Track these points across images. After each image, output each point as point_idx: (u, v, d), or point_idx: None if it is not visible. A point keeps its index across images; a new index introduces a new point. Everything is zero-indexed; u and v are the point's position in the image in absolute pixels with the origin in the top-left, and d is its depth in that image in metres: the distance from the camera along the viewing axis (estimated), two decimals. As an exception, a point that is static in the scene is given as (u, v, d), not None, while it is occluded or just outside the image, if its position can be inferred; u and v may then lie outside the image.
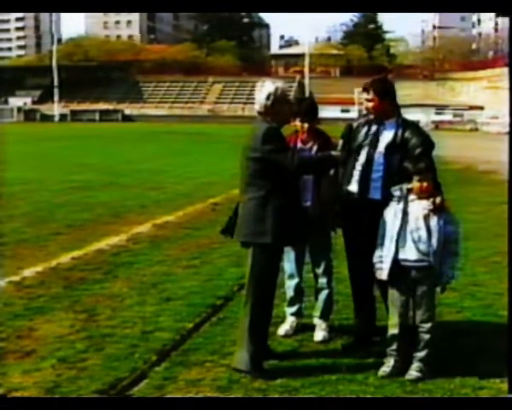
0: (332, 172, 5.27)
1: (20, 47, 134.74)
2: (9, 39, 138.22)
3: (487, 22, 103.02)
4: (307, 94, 58.93)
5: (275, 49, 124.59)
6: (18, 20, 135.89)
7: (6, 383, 4.53)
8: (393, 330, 4.84)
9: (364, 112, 5.43)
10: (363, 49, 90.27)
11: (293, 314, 5.66)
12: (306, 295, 5.91)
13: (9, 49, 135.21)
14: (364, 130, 5.22)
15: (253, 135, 4.79)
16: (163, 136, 38.27)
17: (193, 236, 9.66)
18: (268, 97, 4.77)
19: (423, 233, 4.71)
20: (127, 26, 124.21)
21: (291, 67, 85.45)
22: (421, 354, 4.75)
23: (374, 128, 5.19)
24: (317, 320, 5.58)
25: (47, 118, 66.17)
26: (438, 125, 53.26)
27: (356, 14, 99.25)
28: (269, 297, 4.87)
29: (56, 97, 68.18)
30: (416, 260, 4.73)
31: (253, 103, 5.01)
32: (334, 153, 5.03)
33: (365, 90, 5.18)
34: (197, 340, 5.38)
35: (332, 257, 5.69)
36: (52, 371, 4.72)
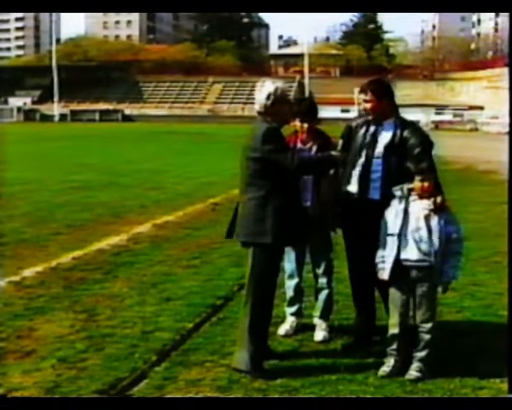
0: (332, 172, 5.27)
1: (20, 47, 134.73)
2: (8, 39, 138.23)
3: (487, 22, 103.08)
4: (307, 94, 58.94)
5: (274, 49, 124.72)
6: (17, 20, 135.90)
7: (6, 383, 4.53)
8: (394, 330, 4.84)
9: (363, 112, 5.44)
10: (363, 49, 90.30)
11: (293, 314, 5.66)
12: (306, 295, 5.91)
13: (8, 49, 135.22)
14: (363, 130, 5.23)
15: (253, 135, 4.79)
16: (163, 136, 38.28)
17: (193, 236, 9.66)
18: (268, 97, 4.77)
19: (424, 233, 4.71)
20: (127, 26, 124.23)
21: (291, 67, 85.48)
22: (422, 354, 4.75)
23: (372, 129, 5.20)
24: (317, 320, 5.58)
25: (47, 118, 66.20)
26: (438, 125, 53.31)
27: (355, 14, 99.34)
28: (269, 297, 4.87)
29: (56, 97, 68.19)
30: (416, 260, 4.73)
31: (252, 103, 5.01)
32: (333, 153, 5.03)
33: (363, 91, 5.20)
34: (197, 340, 5.37)
35: (332, 257, 5.69)
36: (52, 371, 4.72)
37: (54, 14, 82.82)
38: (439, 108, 63.81)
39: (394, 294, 4.86)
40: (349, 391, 4.45)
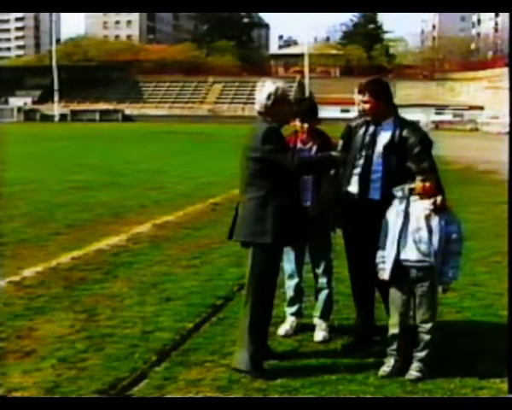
0: (332, 172, 5.27)
1: (20, 47, 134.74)
2: (8, 39, 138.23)
3: (487, 22, 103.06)
4: (307, 94, 58.94)
5: (274, 49, 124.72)
6: (17, 20, 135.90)
7: (6, 383, 4.53)
8: (394, 330, 4.84)
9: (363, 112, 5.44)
10: (363, 49, 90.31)
11: (293, 314, 5.66)
12: (306, 295, 5.91)
13: (8, 49, 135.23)
14: (362, 130, 5.23)
15: (253, 135, 4.79)
16: (163, 136, 38.29)
17: (193, 236, 9.65)
18: (268, 97, 4.77)
19: (424, 233, 4.71)
20: (127, 26, 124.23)
21: (291, 67, 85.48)
22: (422, 354, 4.75)
23: (371, 129, 5.20)
24: (317, 320, 5.58)
25: (47, 118, 66.21)
26: (438, 125, 53.31)
27: (355, 14, 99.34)
28: (269, 297, 4.87)
29: (56, 97, 68.19)
30: (417, 261, 4.73)
31: (253, 103, 5.01)
32: (334, 153, 5.03)
33: (360, 91, 5.20)
34: (197, 340, 5.37)
35: (332, 257, 5.69)
36: (52, 371, 4.72)
37: (54, 14, 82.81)
38: (439, 108, 63.85)
39: (394, 294, 4.86)
40: (349, 391, 4.45)
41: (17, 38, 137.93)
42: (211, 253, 8.44)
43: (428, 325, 4.76)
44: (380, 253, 4.87)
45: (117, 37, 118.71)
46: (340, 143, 5.32)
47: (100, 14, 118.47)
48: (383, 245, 4.85)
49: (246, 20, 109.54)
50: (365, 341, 5.29)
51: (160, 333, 5.49)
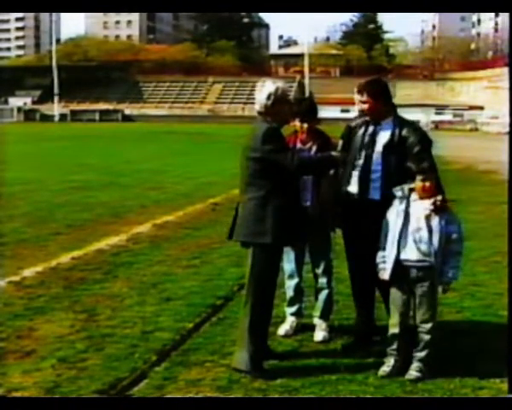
0: (332, 172, 5.27)
1: (20, 47, 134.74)
2: (8, 39, 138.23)
3: (487, 22, 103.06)
4: (307, 94, 58.93)
5: (274, 49, 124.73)
6: (17, 20, 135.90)
7: (6, 383, 4.53)
8: (394, 330, 4.84)
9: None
10: (363, 49, 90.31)
11: (293, 314, 5.66)
12: (306, 295, 5.91)
13: (8, 49, 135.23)
14: (362, 131, 5.24)
15: (253, 135, 4.79)
16: (163, 136, 38.29)
17: (193, 236, 9.65)
18: (268, 97, 4.77)
19: (424, 233, 4.71)
20: (127, 26, 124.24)
21: (291, 67, 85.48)
22: (422, 354, 4.75)
23: (371, 129, 5.20)
24: (317, 320, 5.58)
25: (47, 118, 66.21)
26: (438, 125, 53.31)
27: (355, 14, 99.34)
28: (269, 297, 4.87)
29: (56, 97, 68.18)
30: (417, 261, 4.73)
31: (253, 103, 5.01)
32: (334, 153, 5.03)
33: (359, 92, 5.20)
34: (197, 340, 5.37)
35: (332, 257, 5.69)
36: (52, 371, 4.72)
37: (54, 14, 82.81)
38: (439, 108, 63.84)
39: (395, 294, 4.86)
40: (349, 391, 4.45)
41: (17, 38, 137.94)
42: (211, 253, 8.44)
43: (428, 325, 4.76)
44: (380, 253, 4.87)
45: (117, 37, 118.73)
46: (340, 143, 5.32)
47: (100, 14, 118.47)
48: (383, 245, 4.85)
49: (246, 20, 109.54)
50: (365, 341, 5.29)
51: (160, 333, 5.49)
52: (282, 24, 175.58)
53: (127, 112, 70.69)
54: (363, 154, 5.17)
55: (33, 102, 74.99)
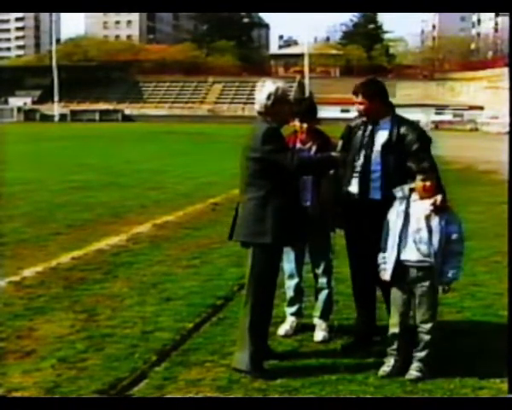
0: (332, 172, 5.27)
1: (20, 47, 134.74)
2: (8, 39, 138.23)
3: (487, 22, 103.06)
4: (307, 94, 58.92)
5: (274, 49, 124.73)
6: (17, 20, 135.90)
7: (6, 383, 4.53)
8: (394, 330, 4.84)
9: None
10: (363, 49, 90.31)
11: (293, 314, 5.66)
12: (306, 295, 5.91)
13: (8, 49, 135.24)
14: (361, 131, 5.25)
15: (252, 135, 4.79)
16: (163, 136, 38.28)
17: (193, 236, 9.65)
18: (268, 97, 4.77)
19: (424, 234, 4.71)
20: (127, 26, 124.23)
21: (291, 67, 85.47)
22: (422, 354, 4.75)
23: (369, 128, 5.21)
24: (317, 320, 5.58)
25: (47, 118, 66.20)
26: (438, 125, 53.30)
27: (355, 14, 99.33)
28: (269, 297, 4.87)
29: (56, 97, 68.18)
30: (417, 261, 4.73)
31: (253, 103, 5.01)
32: (333, 153, 5.03)
33: (354, 93, 5.21)
34: (197, 340, 5.37)
35: (332, 257, 5.69)
36: (52, 371, 4.72)
37: (54, 14, 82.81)
38: (439, 108, 63.81)
39: (395, 294, 4.86)
40: (349, 391, 4.45)
41: (17, 38, 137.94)
42: (211, 253, 8.44)
43: (428, 325, 4.76)
44: (381, 253, 4.87)
45: (117, 37, 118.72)
46: (340, 143, 5.32)
47: (100, 14, 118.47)
48: (384, 246, 4.85)
49: (246, 20, 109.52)
50: (365, 341, 5.29)
51: (160, 333, 5.49)
52: (282, 24, 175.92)
53: (127, 112, 70.68)
54: (362, 154, 5.17)
55: (33, 102, 74.98)
